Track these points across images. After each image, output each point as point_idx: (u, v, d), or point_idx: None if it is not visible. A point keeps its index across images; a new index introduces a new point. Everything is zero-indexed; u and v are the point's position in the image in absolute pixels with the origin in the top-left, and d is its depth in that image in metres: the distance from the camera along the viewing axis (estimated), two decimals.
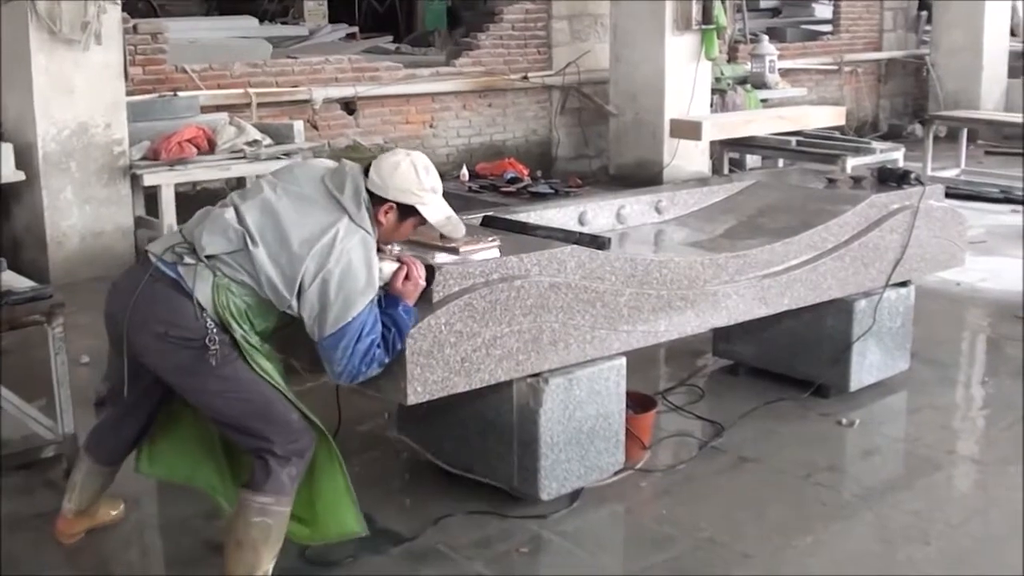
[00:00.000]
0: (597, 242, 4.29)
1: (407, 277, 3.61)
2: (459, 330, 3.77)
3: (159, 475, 4.05)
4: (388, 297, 3.57)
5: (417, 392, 3.70)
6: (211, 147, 8.00)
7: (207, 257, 3.44)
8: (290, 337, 3.68)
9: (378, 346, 3.49)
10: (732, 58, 12.66)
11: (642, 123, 10.75)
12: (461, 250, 3.93)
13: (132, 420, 3.83)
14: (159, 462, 3.97)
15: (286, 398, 3.51)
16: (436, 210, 3.64)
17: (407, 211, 3.58)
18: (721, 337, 5.69)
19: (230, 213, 3.50)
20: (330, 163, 3.72)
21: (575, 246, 4.17)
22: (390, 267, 3.61)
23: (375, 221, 3.54)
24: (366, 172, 3.57)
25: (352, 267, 3.40)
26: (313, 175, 3.59)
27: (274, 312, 3.50)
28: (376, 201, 3.54)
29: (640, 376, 5.09)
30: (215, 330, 3.40)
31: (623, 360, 4.32)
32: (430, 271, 3.73)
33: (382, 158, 3.61)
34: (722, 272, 4.66)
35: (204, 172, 8.01)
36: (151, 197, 7.96)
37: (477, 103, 11.03)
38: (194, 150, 7.88)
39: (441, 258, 3.89)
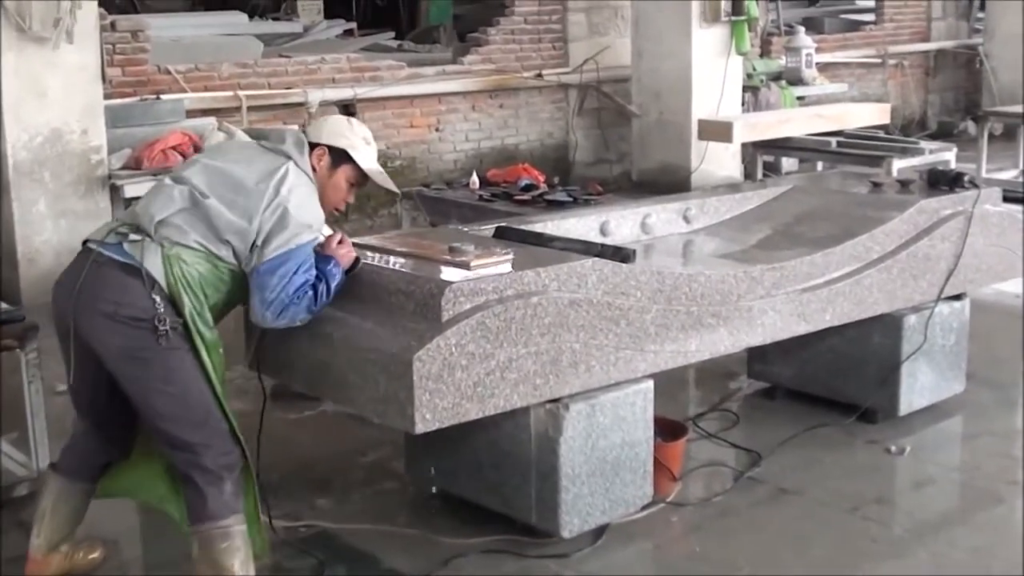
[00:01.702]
0: (620, 254, 4.30)
1: (340, 242, 3.95)
2: (471, 352, 3.77)
3: (114, 495, 4.13)
4: (320, 256, 3.86)
5: (426, 420, 3.71)
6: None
7: (157, 225, 3.65)
8: (287, 356, 3.75)
9: (311, 287, 3.76)
10: (765, 52, 12.69)
11: (667, 124, 10.76)
12: (472, 265, 3.95)
13: (98, 430, 3.91)
14: (115, 482, 4.05)
15: (221, 408, 3.69)
16: (367, 158, 4.01)
17: (340, 157, 3.96)
18: (757, 357, 5.69)
19: (169, 182, 3.81)
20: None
21: (596, 259, 4.17)
22: (326, 230, 3.94)
23: (313, 169, 3.89)
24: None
25: (301, 201, 3.76)
26: (245, 142, 4.03)
27: (226, 281, 3.74)
28: (312, 148, 3.93)
29: (669, 401, 5.10)
30: (164, 309, 3.59)
31: (650, 383, 4.32)
32: (357, 259, 4.00)
33: (317, 118, 4.04)
34: (757, 286, 4.66)
35: None
36: None
37: (487, 104, 11.08)
38: (179, 158, 7.89)
39: (450, 274, 3.91)
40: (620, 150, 11.66)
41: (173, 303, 3.62)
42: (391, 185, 4.09)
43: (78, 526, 4.04)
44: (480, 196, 8.10)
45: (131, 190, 7.83)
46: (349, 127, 4.02)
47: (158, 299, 3.58)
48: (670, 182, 10.23)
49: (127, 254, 3.63)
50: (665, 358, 4.34)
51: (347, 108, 9.96)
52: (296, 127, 4.83)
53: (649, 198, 5.97)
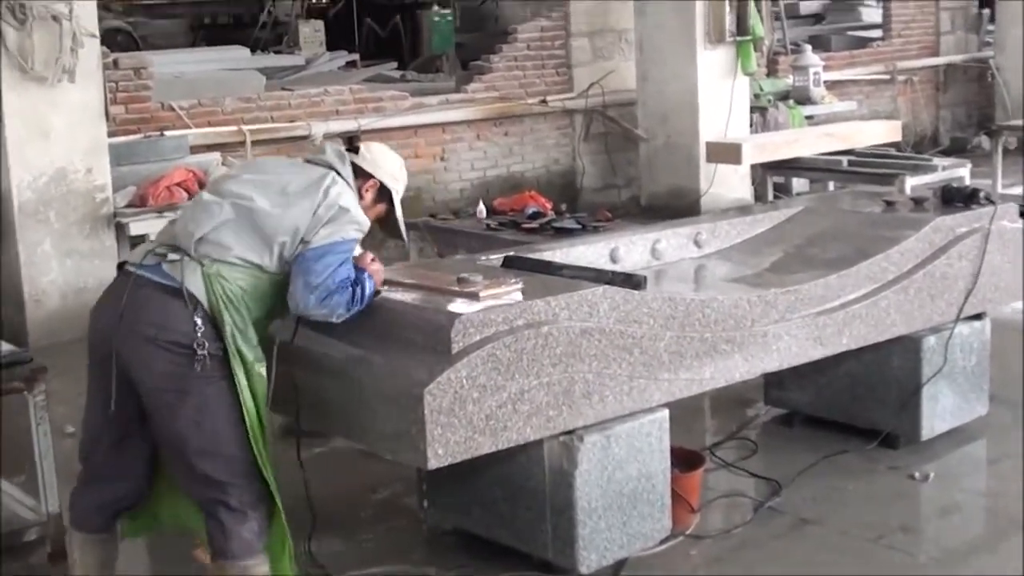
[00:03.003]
0: (631, 281, 4.29)
1: (373, 260, 4.03)
2: (482, 384, 3.76)
3: (144, 531, 4.15)
4: (355, 266, 3.90)
5: (438, 455, 3.69)
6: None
7: (196, 242, 3.69)
8: (295, 393, 3.82)
9: (352, 284, 3.81)
10: (772, 72, 12.69)
11: (675, 147, 10.76)
12: (481, 295, 3.94)
13: (110, 472, 3.87)
14: (140, 520, 4.05)
15: (254, 441, 3.69)
16: (399, 206, 4.15)
17: (382, 195, 4.08)
18: (773, 383, 5.66)
19: (207, 197, 3.86)
20: None
21: (607, 286, 4.17)
22: (358, 249, 3.99)
23: (357, 192, 3.98)
24: (353, 149, 4.09)
25: (349, 202, 3.85)
26: (279, 158, 4.25)
27: (268, 293, 3.78)
28: (361, 175, 4.02)
29: (685, 430, 5.06)
30: (204, 332, 3.62)
31: (665, 413, 4.31)
32: (378, 290, 4.02)
33: (370, 143, 4.18)
34: (771, 310, 4.64)
35: None
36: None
37: (492, 132, 11.10)
38: (184, 195, 7.92)
39: (459, 306, 3.90)
40: (628, 175, 11.67)
41: (215, 324, 3.65)
42: (404, 233, 4.25)
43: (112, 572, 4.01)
44: (487, 225, 8.09)
45: (137, 228, 7.88)
46: (403, 174, 4.16)
47: (199, 321, 3.62)
48: (680, 206, 10.20)
49: (167, 275, 3.67)
50: (680, 386, 4.33)
51: (351, 140, 9.94)
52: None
53: (659, 223, 5.96)
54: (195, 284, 3.65)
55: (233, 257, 3.70)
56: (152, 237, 7.59)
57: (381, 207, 4.09)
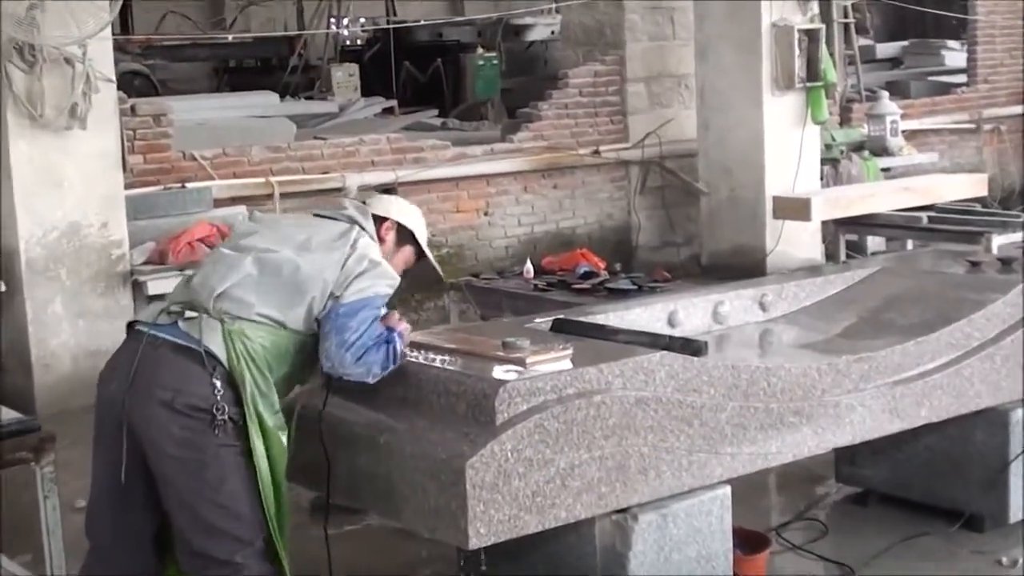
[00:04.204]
0: (691, 347, 4.33)
1: (400, 319, 4.07)
2: (528, 458, 3.79)
3: None
4: (384, 324, 3.98)
5: (480, 534, 3.71)
6: None
7: (216, 299, 3.76)
8: (324, 467, 3.84)
9: (386, 341, 3.89)
10: (845, 120, 12.69)
11: (739, 202, 10.76)
12: (528, 361, 3.98)
13: (121, 548, 3.91)
14: None
15: (270, 523, 3.75)
16: (424, 243, 4.29)
17: (404, 236, 4.22)
18: (845, 459, 5.65)
19: (226, 251, 3.98)
20: None
21: (665, 352, 4.21)
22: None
23: (378, 238, 4.11)
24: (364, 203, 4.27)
25: (379, 256, 3.99)
26: (298, 215, 4.35)
27: (291, 352, 3.85)
28: (377, 221, 4.15)
29: (748, 509, 5.07)
30: (223, 395, 3.69)
31: (727, 490, 4.32)
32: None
33: (379, 195, 4.42)
34: (843, 379, 4.65)
35: None
36: None
37: (540, 185, 11.16)
38: (207, 251, 7.91)
39: (504, 372, 3.94)
40: (688, 232, 11.70)
41: (234, 387, 3.72)
42: (440, 270, 4.41)
43: None
44: (535, 286, 8.12)
45: (155, 287, 7.87)
46: (414, 209, 4.30)
47: (219, 384, 3.69)
48: (744, 266, 10.20)
49: (184, 334, 3.74)
50: (743, 461, 4.34)
51: (388, 192, 10.01)
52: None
53: (721, 284, 6.00)
54: (215, 343, 3.71)
55: (255, 314, 3.77)
56: None
57: (408, 250, 4.24)
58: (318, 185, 9.79)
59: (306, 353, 3.89)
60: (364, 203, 4.25)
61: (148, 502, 3.85)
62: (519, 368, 3.96)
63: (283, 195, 9.49)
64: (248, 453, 3.73)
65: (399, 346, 3.94)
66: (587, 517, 3.99)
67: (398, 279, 4.02)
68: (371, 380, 3.88)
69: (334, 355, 3.80)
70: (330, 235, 3.95)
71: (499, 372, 3.94)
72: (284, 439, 3.81)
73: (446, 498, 3.72)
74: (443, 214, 10.51)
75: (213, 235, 8.08)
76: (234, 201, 9.15)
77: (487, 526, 3.71)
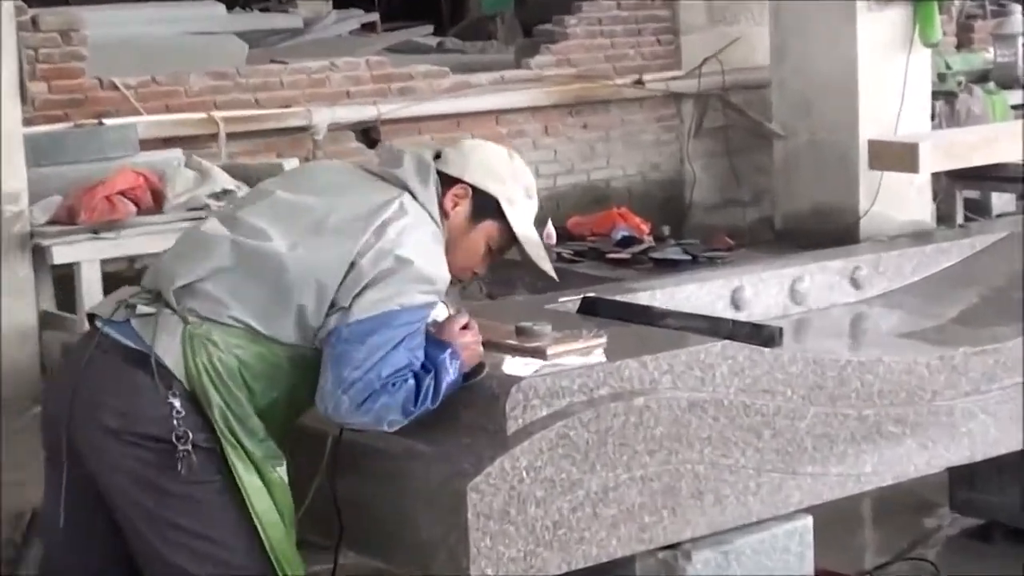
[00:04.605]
0: (761, 335, 4.36)
1: (465, 327, 3.86)
2: (548, 478, 3.80)
3: None
4: (434, 340, 3.77)
5: (486, 574, 3.72)
6: (157, 203, 8.00)
7: (176, 292, 3.63)
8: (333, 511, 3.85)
9: (413, 375, 3.66)
10: (964, 43, 12.65)
11: (824, 148, 10.64)
12: (549, 353, 4.00)
13: None
14: None
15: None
16: (524, 218, 3.98)
17: (486, 206, 3.92)
18: (963, 482, 5.67)
19: (210, 226, 3.80)
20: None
21: (727, 342, 4.22)
22: (443, 311, 3.89)
23: (441, 210, 3.86)
24: (436, 156, 3.95)
25: (419, 246, 3.69)
26: (338, 164, 3.99)
27: (285, 368, 3.69)
28: (446, 183, 3.90)
29: (835, 544, 5.08)
30: (186, 417, 3.55)
31: (808, 521, 4.33)
32: (481, 365, 3.90)
33: (461, 141, 4.01)
34: (960, 379, 4.67)
35: (147, 242, 7.85)
36: (65, 280, 7.99)
37: (566, 124, 11.14)
38: (131, 208, 7.89)
39: (518, 367, 3.97)
40: (757, 186, 11.71)
41: (201, 406, 3.60)
42: (548, 267, 4.04)
43: None
44: (558, 255, 8.16)
45: (63, 254, 7.80)
46: (510, 165, 4.01)
47: (177, 404, 3.56)
48: (829, 231, 10.05)
49: (136, 336, 3.62)
50: (829, 484, 4.36)
51: (366, 133, 10.06)
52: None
53: (800, 254, 6.03)
54: (169, 350, 3.59)
55: (228, 317, 3.63)
56: (85, 268, 7.73)
57: (490, 228, 3.95)
58: (276, 123, 9.74)
59: (305, 371, 3.69)
60: (438, 155, 3.96)
61: (114, 548, 3.77)
62: (538, 361, 3.97)
63: (231, 135, 9.39)
64: (233, 488, 3.61)
65: (450, 373, 3.73)
66: (626, 555, 4.00)
67: (445, 279, 3.76)
68: (387, 429, 3.69)
69: (328, 398, 3.60)
70: (359, 210, 3.70)
71: (511, 367, 3.97)
72: (283, 475, 3.70)
73: (443, 530, 3.73)
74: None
75: (139, 187, 7.94)
76: (166, 143, 9.03)
77: (495, 565, 3.72)
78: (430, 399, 3.69)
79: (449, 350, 3.75)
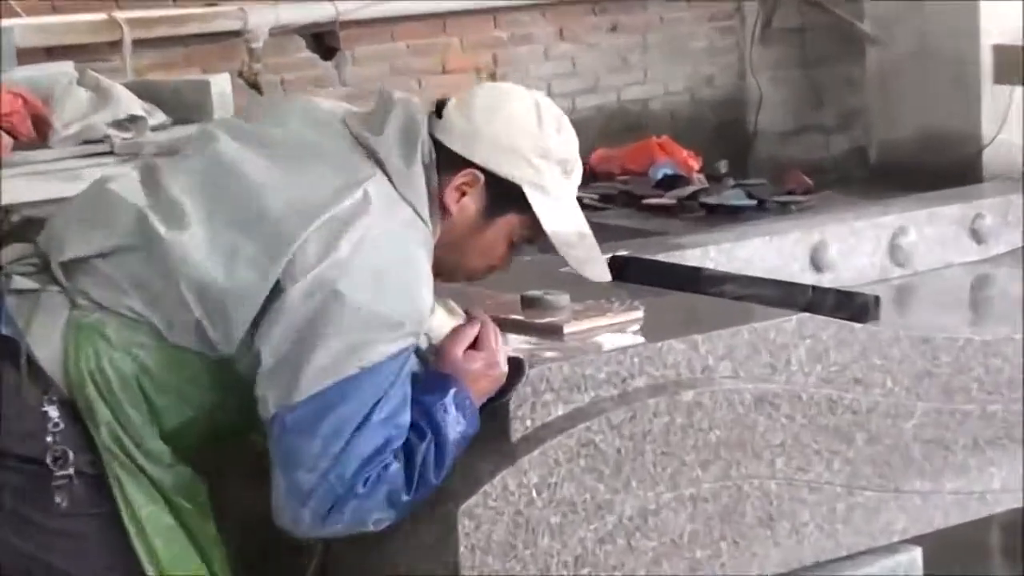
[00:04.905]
0: (852, 306, 4.33)
1: (475, 344, 3.64)
2: (567, 499, 3.77)
3: None
4: (432, 374, 3.61)
5: None
6: (41, 133, 8.03)
7: (65, 265, 3.53)
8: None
9: (396, 458, 3.44)
10: None
11: (934, 57, 10.71)
12: (567, 331, 3.99)
13: None
14: None
15: None
16: (558, 207, 3.77)
17: (503, 198, 3.67)
18: None
19: (127, 181, 3.65)
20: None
21: (805, 315, 4.21)
22: (445, 320, 3.69)
23: (438, 203, 3.61)
24: (438, 113, 3.69)
25: (381, 270, 3.40)
26: (321, 111, 3.78)
27: (202, 382, 3.54)
28: (447, 163, 3.62)
29: None
30: (63, 431, 3.45)
31: (916, 554, 4.34)
32: (516, 366, 3.73)
33: (474, 91, 3.78)
34: None
35: (27, 186, 7.87)
36: None
37: (588, 25, 11.15)
38: (6, 140, 7.87)
39: (524, 350, 3.88)
40: (845, 108, 11.77)
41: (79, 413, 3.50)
42: (597, 271, 3.81)
43: None
44: (579, 199, 8.06)
45: None
46: (538, 131, 3.73)
47: (55, 414, 3.48)
48: (941, 166, 10.12)
49: (8, 317, 3.52)
50: (943, 505, 4.36)
51: (319, 40, 9.97)
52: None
53: (903, 198, 6.06)
54: (48, 339, 3.50)
55: (128, 309, 3.50)
56: None
57: (513, 220, 3.71)
58: (200, 26, 9.60)
59: (242, 386, 3.49)
60: (440, 107, 3.70)
61: None
62: (552, 341, 3.95)
63: (138, 43, 9.29)
64: (133, 520, 3.51)
65: (450, 434, 3.50)
66: None
67: (424, 308, 3.47)
68: (373, 528, 3.48)
69: (283, 511, 3.42)
70: (311, 197, 3.46)
71: (518, 348, 3.88)
72: (203, 493, 3.59)
73: (432, 562, 3.72)
74: (420, 76, 10.45)
75: (17, 111, 8.01)
76: (51, 54, 9.00)
77: None
78: (432, 473, 3.51)
79: (452, 391, 3.54)
